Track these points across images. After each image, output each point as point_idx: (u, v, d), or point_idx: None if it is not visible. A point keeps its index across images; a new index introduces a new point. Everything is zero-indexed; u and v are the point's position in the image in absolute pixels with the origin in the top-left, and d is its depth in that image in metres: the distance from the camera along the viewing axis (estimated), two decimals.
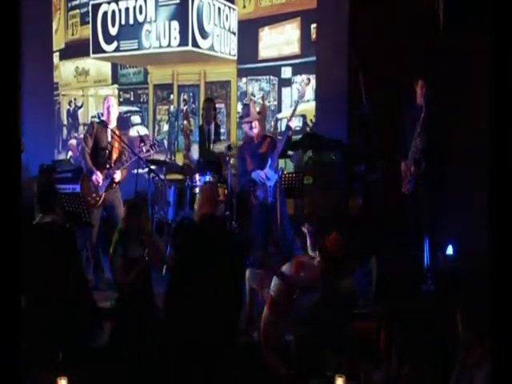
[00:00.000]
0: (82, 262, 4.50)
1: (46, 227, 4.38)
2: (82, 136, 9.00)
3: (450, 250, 5.81)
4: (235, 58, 8.34)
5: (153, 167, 6.52)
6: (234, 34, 8.34)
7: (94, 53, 8.99)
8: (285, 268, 4.51)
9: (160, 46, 8.57)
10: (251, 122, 6.05)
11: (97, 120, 6.28)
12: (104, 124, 6.18)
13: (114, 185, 6.18)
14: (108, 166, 6.16)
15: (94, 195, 6.10)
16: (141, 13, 8.61)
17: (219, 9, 8.38)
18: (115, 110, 6.28)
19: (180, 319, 4.18)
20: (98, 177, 6.09)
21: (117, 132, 6.22)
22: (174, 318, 4.23)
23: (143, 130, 8.62)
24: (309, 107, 7.90)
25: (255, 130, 6.06)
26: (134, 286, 4.42)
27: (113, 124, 6.23)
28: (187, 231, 4.72)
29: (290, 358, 4.36)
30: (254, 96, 8.20)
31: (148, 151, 6.20)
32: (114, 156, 6.23)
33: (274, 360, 4.33)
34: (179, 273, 4.32)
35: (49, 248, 4.20)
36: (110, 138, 6.20)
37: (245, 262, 5.26)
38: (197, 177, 6.75)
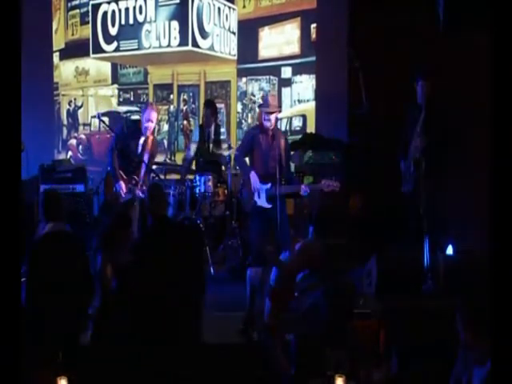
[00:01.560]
0: (90, 268, 4.46)
1: (56, 236, 4.38)
2: (81, 136, 9.07)
3: (449, 250, 5.81)
4: (235, 57, 8.34)
5: (153, 167, 6.49)
6: (234, 33, 8.34)
7: (93, 53, 8.98)
8: (282, 255, 4.53)
9: (160, 46, 8.56)
10: (269, 113, 5.73)
11: (133, 119, 6.15)
12: (139, 130, 6.01)
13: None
14: (134, 181, 5.95)
15: (113, 197, 6.00)
16: (141, 13, 8.61)
17: (219, 9, 8.38)
18: (153, 124, 6.08)
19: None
20: (122, 188, 5.92)
21: (149, 144, 6.02)
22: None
23: None
24: (309, 107, 7.91)
25: (267, 123, 5.74)
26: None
27: (147, 134, 6.04)
28: (147, 234, 4.77)
29: (290, 358, 4.36)
30: (254, 96, 8.20)
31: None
32: (142, 171, 5.99)
33: (282, 357, 4.32)
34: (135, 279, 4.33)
35: (60, 256, 4.21)
36: (140, 149, 6.02)
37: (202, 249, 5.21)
38: (197, 177, 6.74)
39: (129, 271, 4.26)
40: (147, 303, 4.15)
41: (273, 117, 5.77)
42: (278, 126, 6.16)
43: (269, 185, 5.76)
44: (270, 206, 5.68)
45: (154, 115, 6.05)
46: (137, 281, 4.20)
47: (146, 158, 6.01)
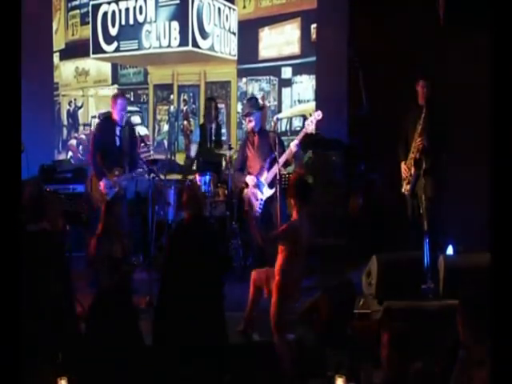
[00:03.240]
0: (68, 272, 4.39)
1: (33, 237, 4.21)
2: (82, 136, 9.07)
3: (450, 250, 5.81)
4: (235, 58, 8.34)
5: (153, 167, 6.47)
6: (234, 34, 8.34)
7: (94, 53, 8.98)
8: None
9: (160, 47, 8.56)
10: (245, 117, 6.27)
11: (104, 116, 6.18)
12: (113, 123, 6.04)
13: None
14: (117, 172, 5.94)
15: (100, 198, 5.98)
16: (141, 13, 8.60)
17: (219, 9, 8.38)
18: (125, 112, 6.15)
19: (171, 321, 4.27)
20: (107, 184, 5.88)
21: (126, 133, 6.07)
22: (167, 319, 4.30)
23: (143, 131, 8.62)
24: (309, 107, 7.90)
25: (247, 126, 6.24)
26: (116, 286, 4.34)
27: (122, 124, 6.09)
28: (175, 232, 4.86)
29: (290, 358, 4.36)
30: None
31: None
32: (126, 160, 6.01)
33: (284, 357, 4.33)
34: (168, 273, 4.39)
35: (36, 257, 4.11)
36: (119, 140, 6.04)
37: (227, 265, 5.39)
38: (197, 177, 6.74)
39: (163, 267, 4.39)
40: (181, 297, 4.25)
41: (252, 118, 6.13)
42: (278, 126, 6.30)
43: (264, 174, 5.96)
44: (273, 191, 5.87)
45: (124, 104, 6.18)
46: (171, 275, 4.29)
47: (126, 146, 6.04)
